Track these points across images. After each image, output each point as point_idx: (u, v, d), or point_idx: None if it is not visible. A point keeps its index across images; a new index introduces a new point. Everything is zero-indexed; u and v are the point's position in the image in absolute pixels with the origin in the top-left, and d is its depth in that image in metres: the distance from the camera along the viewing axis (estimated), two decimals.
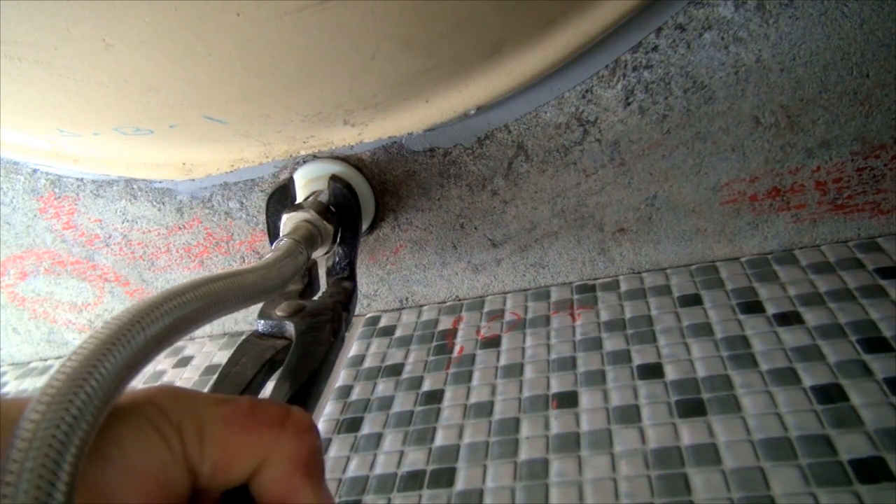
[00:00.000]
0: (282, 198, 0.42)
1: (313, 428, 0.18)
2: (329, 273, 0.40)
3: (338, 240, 0.40)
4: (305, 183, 0.44)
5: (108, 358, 0.14)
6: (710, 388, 0.37)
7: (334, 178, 0.43)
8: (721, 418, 0.35)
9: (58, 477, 0.12)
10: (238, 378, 0.26)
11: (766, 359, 0.38)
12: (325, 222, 0.38)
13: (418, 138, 0.43)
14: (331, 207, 0.40)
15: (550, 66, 0.38)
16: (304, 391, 0.26)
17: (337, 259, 0.40)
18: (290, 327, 0.30)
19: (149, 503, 0.15)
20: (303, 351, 0.28)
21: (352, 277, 0.39)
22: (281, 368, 0.27)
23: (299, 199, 0.43)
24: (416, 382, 0.45)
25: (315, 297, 0.37)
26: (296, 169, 0.45)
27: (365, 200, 0.45)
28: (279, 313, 0.31)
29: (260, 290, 0.24)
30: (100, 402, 0.13)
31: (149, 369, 0.55)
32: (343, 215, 0.41)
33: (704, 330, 0.42)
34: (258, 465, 0.17)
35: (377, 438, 0.41)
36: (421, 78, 0.38)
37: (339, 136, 0.42)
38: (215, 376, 0.27)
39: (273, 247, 0.32)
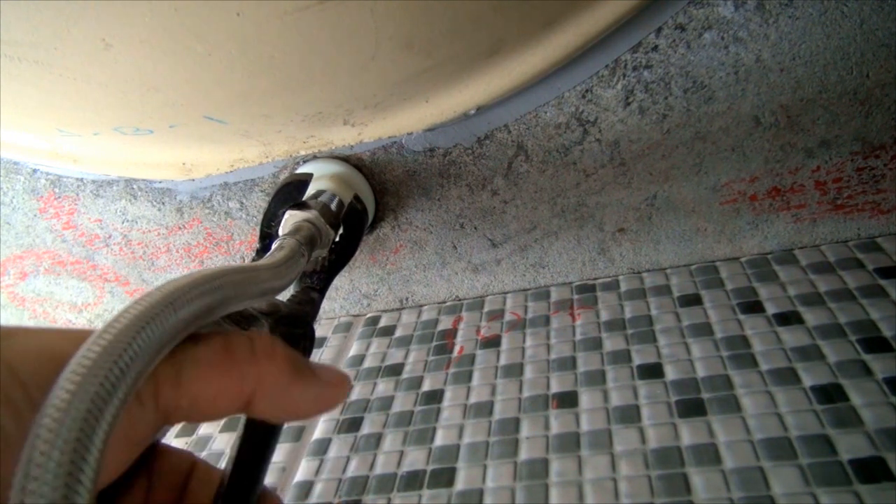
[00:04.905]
0: (293, 192, 0.41)
1: (276, 342, 0.19)
2: (302, 278, 0.36)
3: (333, 249, 0.38)
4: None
5: (140, 335, 0.14)
6: (710, 388, 0.37)
7: (356, 199, 0.41)
8: (721, 418, 0.35)
9: (82, 471, 0.12)
10: None
11: (766, 359, 0.38)
12: (328, 226, 0.36)
13: (418, 138, 0.43)
14: (338, 217, 0.39)
15: (550, 66, 0.38)
16: None
17: (318, 268, 0.37)
18: (262, 326, 0.28)
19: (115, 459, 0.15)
20: None
21: (322, 291, 0.36)
22: None
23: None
24: (416, 382, 0.45)
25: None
26: (297, 166, 0.45)
27: (365, 200, 0.44)
28: (255, 306, 0.29)
29: (270, 289, 0.24)
30: (132, 378, 0.14)
31: None
32: (346, 234, 0.39)
33: (704, 330, 0.42)
34: (246, 400, 0.17)
35: (377, 438, 0.41)
36: (421, 78, 0.38)
37: (339, 136, 0.42)
38: None
39: (275, 245, 0.32)
